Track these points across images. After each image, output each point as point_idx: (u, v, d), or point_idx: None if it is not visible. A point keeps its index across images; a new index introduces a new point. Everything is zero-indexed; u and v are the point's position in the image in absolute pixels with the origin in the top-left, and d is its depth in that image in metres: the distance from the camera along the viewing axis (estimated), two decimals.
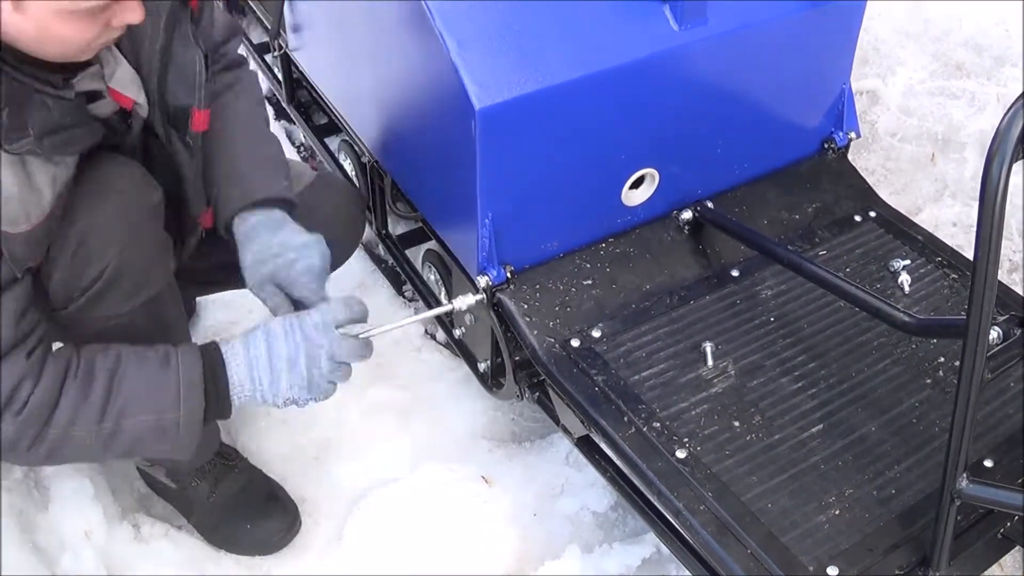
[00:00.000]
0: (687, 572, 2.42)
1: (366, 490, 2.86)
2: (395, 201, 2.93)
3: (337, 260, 2.67)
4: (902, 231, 2.80)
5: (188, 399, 2.11)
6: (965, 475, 1.94)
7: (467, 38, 2.27)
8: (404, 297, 3.32)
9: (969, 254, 2.71)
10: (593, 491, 2.84)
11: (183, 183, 2.31)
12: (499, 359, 2.67)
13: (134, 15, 1.87)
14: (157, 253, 2.23)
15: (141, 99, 2.17)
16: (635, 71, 2.41)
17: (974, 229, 3.09)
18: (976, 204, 3.28)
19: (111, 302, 2.15)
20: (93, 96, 2.04)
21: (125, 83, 2.13)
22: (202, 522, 2.75)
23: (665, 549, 2.56)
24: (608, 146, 2.50)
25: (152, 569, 2.67)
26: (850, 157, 2.99)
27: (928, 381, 2.39)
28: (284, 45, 3.34)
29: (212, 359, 2.16)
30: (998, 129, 1.72)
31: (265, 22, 3.49)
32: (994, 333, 1.92)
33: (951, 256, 2.73)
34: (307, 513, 2.84)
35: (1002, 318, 1.96)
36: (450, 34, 2.26)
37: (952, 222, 3.58)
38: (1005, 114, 1.73)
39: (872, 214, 2.85)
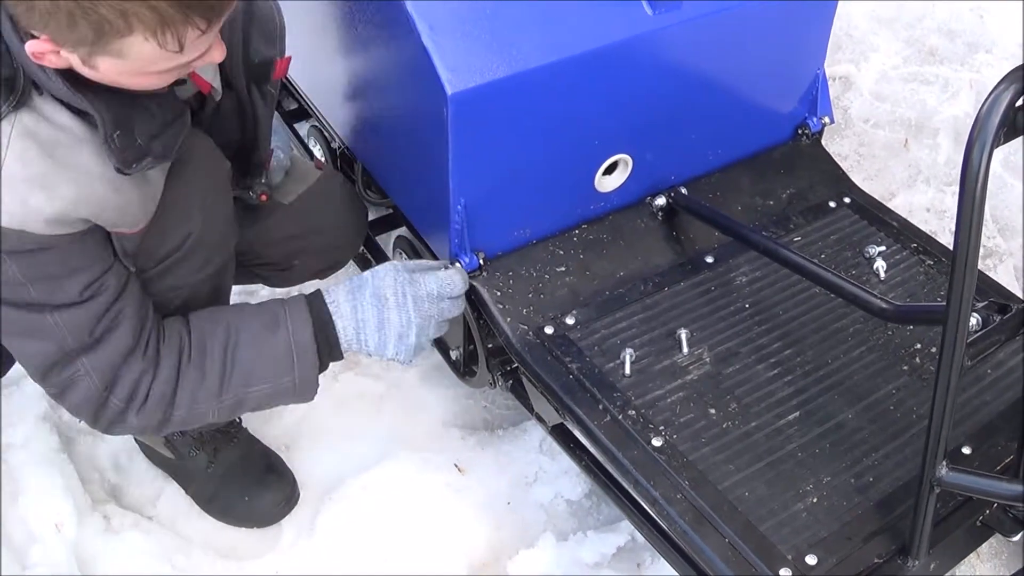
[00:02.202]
0: (662, 560, 2.41)
1: (338, 480, 2.83)
2: (366, 187, 2.90)
3: (337, 263, 2.73)
4: (877, 217, 2.78)
5: (301, 362, 2.18)
6: (944, 463, 1.92)
7: (439, 23, 2.24)
8: None
9: (943, 240, 2.71)
10: (567, 479, 2.82)
11: (254, 131, 2.37)
12: (471, 347, 2.65)
13: (219, 55, 1.86)
14: (228, 223, 2.27)
15: (217, 84, 2.22)
16: (608, 56, 2.38)
17: (948, 215, 3.10)
18: (950, 190, 3.30)
19: (184, 271, 2.17)
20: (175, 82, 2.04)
21: (205, 68, 2.15)
22: (200, 493, 2.75)
23: (640, 537, 2.56)
24: (581, 131, 2.47)
25: (123, 560, 2.64)
26: (823, 143, 2.97)
27: (905, 368, 2.38)
28: None
29: (320, 315, 2.22)
30: (978, 115, 1.71)
31: None
32: (973, 320, 1.91)
33: (926, 242, 2.71)
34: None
35: (981, 304, 1.95)
36: (422, 19, 2.23)
37: (926, 207, 3.57)
38: (986, 99, 1.72)
39: (847, 200, 2.83)
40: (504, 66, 2.27)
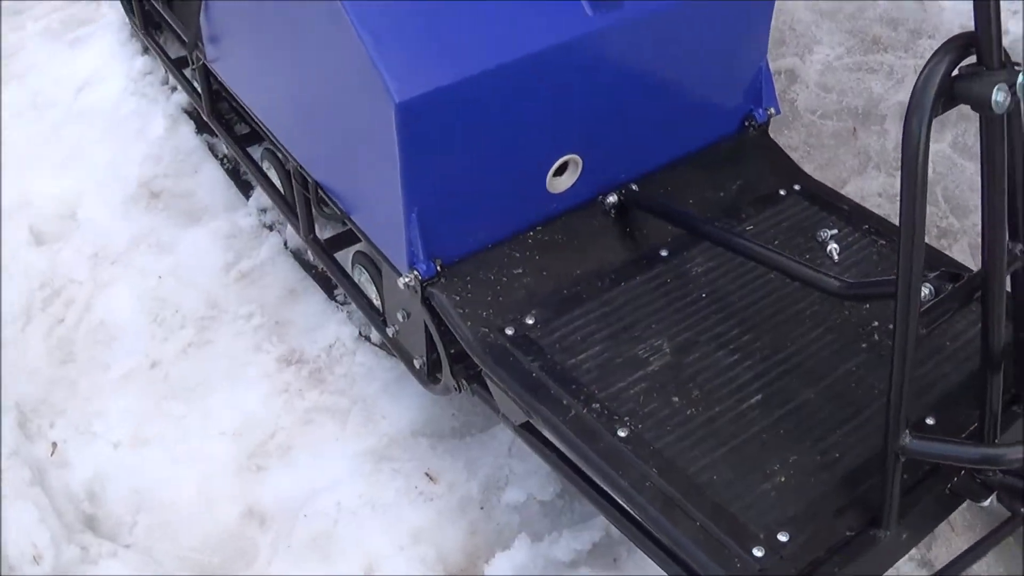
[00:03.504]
0: (638, 553, 2.43)
1: (312, 496, 2.86)
2: (322, 204, 2.91)
3: None
4: (828, 202, 2.81)
5: None
6: (907, 432, 1.95)
7: (383, 33, 2.26)
8: (336, 301, 3.31)
9: (896, 222, 2.73)
10: (538, 480, 2.84)
11: None
12: (434, 355, 2.66)
13: None
14: None
15: None
16: (551, 57, 2.41)
17: (892, 196, 3.12)
18: (897, 172, 3.32)
19: None
20: None
21: None
22: None
23: (615, 532, 2.59)
24: (529, 134, 2.49)
25: None
26: (772, 136, 3.00)
27: (864, 346, 2.40)
28: (202, 56, 3.31)
29: None
30: (915, 87, 1.76)
31: (182, 35, 3.46)
32: (925, 290, 1.95)
33: (878, 223, 2.74)
34: (255, 521, 2.83)
35: (933, 275, 1.99)
36: (366, 31, 2.25)
37: (878, 192, 3.61)
38: (921, 72, 1.76)
39: (796, 187, 2.86)
40: (449, 73, 2.29)
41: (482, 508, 2.83)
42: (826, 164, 3.76)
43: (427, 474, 2.89)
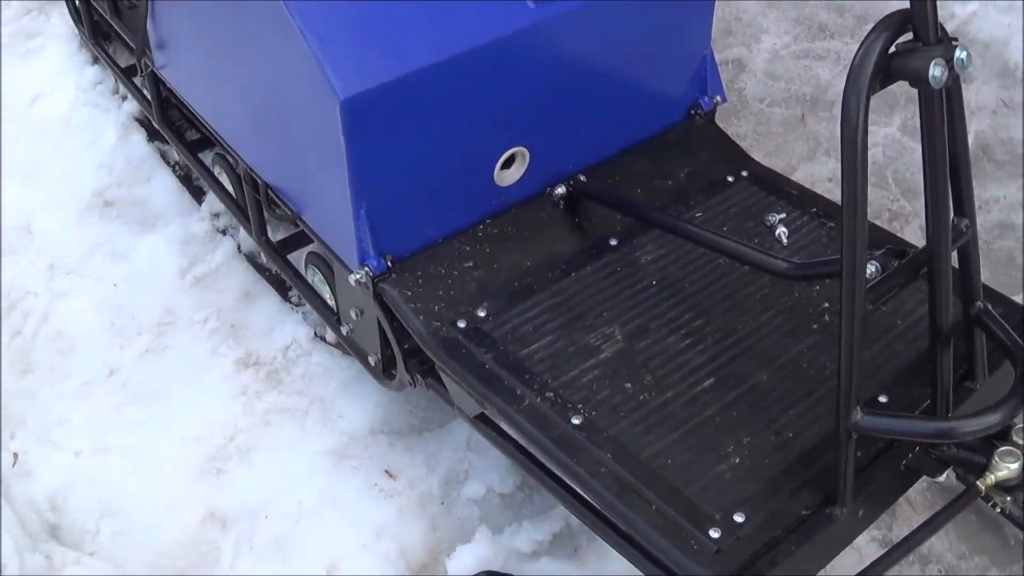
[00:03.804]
0: (598, 542, 2.45)
1: (272, 498, 2.88)
2: (273, 206, 2.92)
3: None
4: (776, 187, 2.84)
5: None
6: (859, 408, 1.96)
7: (326, 32, 2.28)
8: (291, 303, 3.33)
9: None
10: (497, 473, 2.86)
11: None
12: (388, 351, 2.67)
13: None
14: None
15: None
16: (493, 51, 2.43)
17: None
18: None
19: None
20: None
21: None
22: None
23: (575, 522, 2.63)
24: (475, 127, 2.51)
25: None
26: (721, 124, 3.02)
27: (815, 327, 2.42)
28: (150, 63, 3.31)
29: None
30: (852, 65, 1.79)
31: (130, 42, 3.46)
32: (872, 267, 1.97)
33: (826, 207, 2.76)
34: (217, 524, 2.84)
35: (879, 252, 2.01)
36: (309, 30, 2.27)
37: (828, 178, 3.64)
38: (858, 50, 1.79)
39: (744, 173, 2.88)
40: (392, 69, 2.31)
41: (442, 503, 2.85)
42: (775, 151, 3.79)
43: (387, 471, 2.90)
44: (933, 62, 1.78)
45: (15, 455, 3.02)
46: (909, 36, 1.85)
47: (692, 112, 2.97)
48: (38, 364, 3.28)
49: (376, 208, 2.45)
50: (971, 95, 3.99)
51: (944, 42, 1.82)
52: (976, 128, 3.84)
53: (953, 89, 1.93)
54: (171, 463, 2.98)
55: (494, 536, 2.72)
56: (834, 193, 3.39)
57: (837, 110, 3.94)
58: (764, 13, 4.37)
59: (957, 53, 1.82)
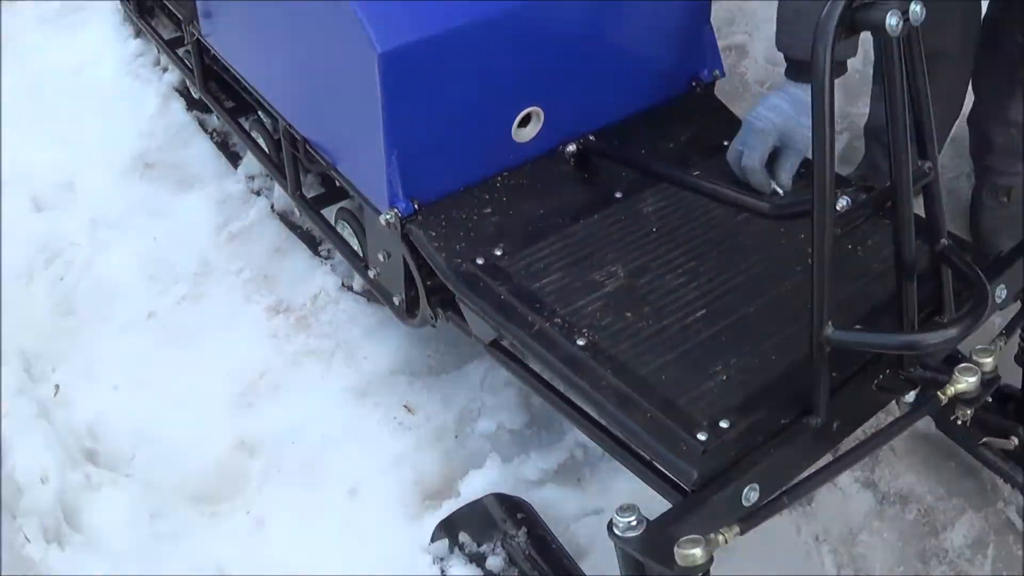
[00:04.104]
0: (600, 472, 2.69)
1: (299, 429, 3.12)
2: (309, 159, 3.16)
3: None
4: None
5: None
6: (830, 323, 2.17)
7: None
8: (320, 256, 3.58)
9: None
10: (508, 411, 3.11)
11: None
12: (413, 292, 2.91)
13: None
14: None
15: None
16: (513, 18, 2.70)
17: (837, 156, 3.39)
18: (841, 137, 3.59)
19: None
20: None
21: None
22: None
23: (579, 455, 2.88)
24: (496, 86, 2.76)
25: (104, 509, 2.93)
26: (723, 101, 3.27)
27: (799, 268, 2.63)
28: (197, 32, 3.57)
29: None
30: (819, 19, 2.02)
31: (178, 13, 3.72)
32: (843, 201, 2.19)
33: (810, 164, 2.98)
34: (246, 451, 3.08)
35: (849, 189, 2.24)
36: None
37: None
38: (825, 5, 2.03)
39: None
40: (424, 28, 2.58)
41: (456, 437, 3.09)
42: None
43: (405, 407, 3.15)
44: (889, 12, 2.02)
45: (56, 386, 3.24)
46: None
47: (693, 84, 3.21)
48: (80, 307, 3.52)
49: (406, 155, 2.70)
50: None
51: None
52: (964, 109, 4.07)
53: (913, 41, 2.16)
54: (204, 397, 3.21)
55: (504, 464, 2.96)
56: None
57: None
58: (766, 3, 4.60)
59: (912, 5, 2.06)
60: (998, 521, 2.92)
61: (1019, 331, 2.74)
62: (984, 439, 2.89)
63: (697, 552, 1.90)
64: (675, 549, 1.91)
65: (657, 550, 1.97)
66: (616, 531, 2.01)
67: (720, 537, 1.94)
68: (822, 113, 2.05)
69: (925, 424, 3.07)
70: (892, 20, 2.03)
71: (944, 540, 2.88)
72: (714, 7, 4.09)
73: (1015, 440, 2.79)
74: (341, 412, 3.14)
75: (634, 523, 2.00)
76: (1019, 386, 2.82)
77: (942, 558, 2.86)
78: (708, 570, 1.96)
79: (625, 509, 2.02)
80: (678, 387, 2.36)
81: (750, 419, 2.30)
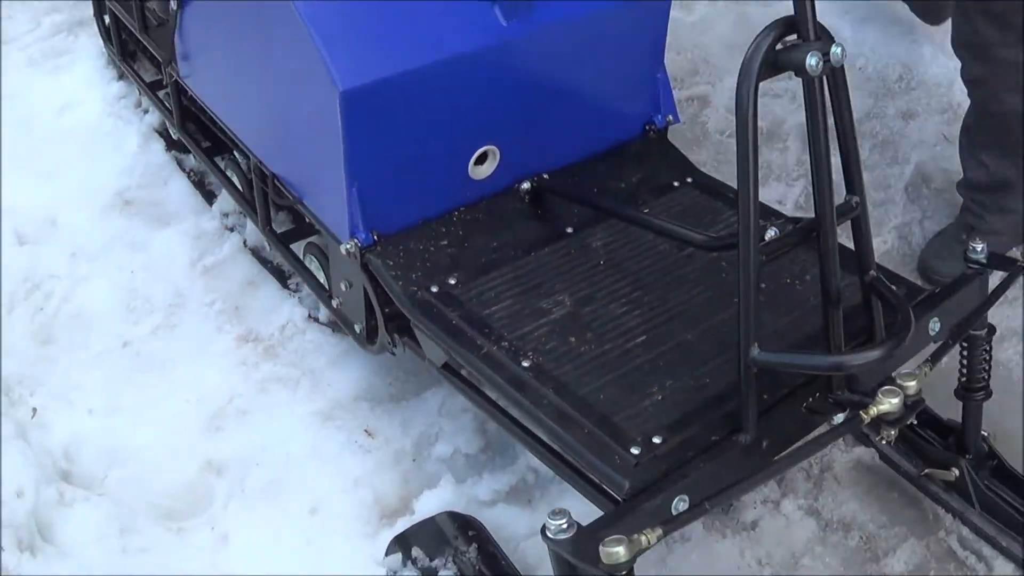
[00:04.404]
0: (550, 495, 2.84)
1: (264, 449, 3.25)
2: (278, 195, 3.31)
3: None
4: (718, 192, 3.21)
5: None
6: (756, 345, 2.31)
7: (330, 33, 2.69)
8: (289, 289, 3.72)
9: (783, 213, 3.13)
10: (464, 437, 3.24)
11: None
12: (372, 320, 3.05)
13: None
14: None
15: None
16: (469, 60, 2.84)
17: (790, 202, 3.54)
18: (797, 184, 3.79)
19: None
20: None
21: None
22: None
23: (531, 478, 3.01)
24: (453, 124, 2.91)
25: (77, 525, 3.05)
26: (685, 153, 3.41)
27: (737, 300, 2.77)
28: (175, 73, 3.73)
29: None
30: (744, 59, 2.20)
31: (157, 55, 3.88)
32: (772, 232, 2.34)
33: (762, 209, 3.12)
34: (213, 471, 3.22)
35: (778, 220, 2.40)
36: (316, 31, 2.68)
37: (777, 200, 4.00)
38: (749, 47, 2.20)
39: (689, 180, 3.26)
40: (385, 67, 2.73)
41: (414, 460, 3.23)
42: (731, 176, 4.07)
43: (366, 431, 3.29)
44: (809, 54, 2.17)
45: (34, 409, 3.37)
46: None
47: (647, 128, 3.36)
48: (58, 336, 3.64)
49: (366, 188, 2.85)
50: (914, 130, 4.40)
51: (823, 39, 2.21)
52: (917, 159, 4.24)
53: (839, 80, 2.31)
54: (174, 421, 3.34)
55: (458, 485, 3.09)
56: (781, 210, 3.78)
57: (790, 142, 4.34)
58: (728, 56, 4.76)
59: (833, 48, 2.21)
60: (940, 550, 3.01)
61: (960, 364, 2.90)
62: (926, 470, 3.03)
63: (620, 550, 2.03)
64: (600, 548, 2.04)
65: (585, 551, 2.10)
66: (548, 533, 2.14)
67: (643, 538, 2.08)
68: (746, 148, 2.22)
69: (869, 455, 3.21)
70: (812, 60, 2.18)
71: (885, 566, 2.97)
72: (677, 58, 4.32)
73: (956, 472, 2.96)
74: (305, 435, 3.27)
75: (565, 526, 2.13)
76: (960, 420, 2.95)
77: None
78: (631, 569, 2.10)
79: (557, 513, 2.14)
80: (615, 406, 2.49)
81: (682, 435, 2.42)
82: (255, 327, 3.62)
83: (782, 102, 4.55)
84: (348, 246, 2.88)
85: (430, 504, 3.03)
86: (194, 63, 3.59)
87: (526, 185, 3.11)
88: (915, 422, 2.98)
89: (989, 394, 2.90)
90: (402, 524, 2.97)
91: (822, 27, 2.24)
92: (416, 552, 2.87)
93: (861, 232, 2.50)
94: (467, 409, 3.27)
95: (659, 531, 2.10)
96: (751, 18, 4.93)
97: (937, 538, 3.04)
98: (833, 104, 2.33)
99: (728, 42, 4.88)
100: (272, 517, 3.08)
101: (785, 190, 4.12)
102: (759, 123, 4.05)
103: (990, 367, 2.88)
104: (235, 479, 3.18)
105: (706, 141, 4.37)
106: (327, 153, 2.83)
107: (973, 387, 2.89)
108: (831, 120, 2.33)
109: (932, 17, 4.76)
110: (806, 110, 2.29)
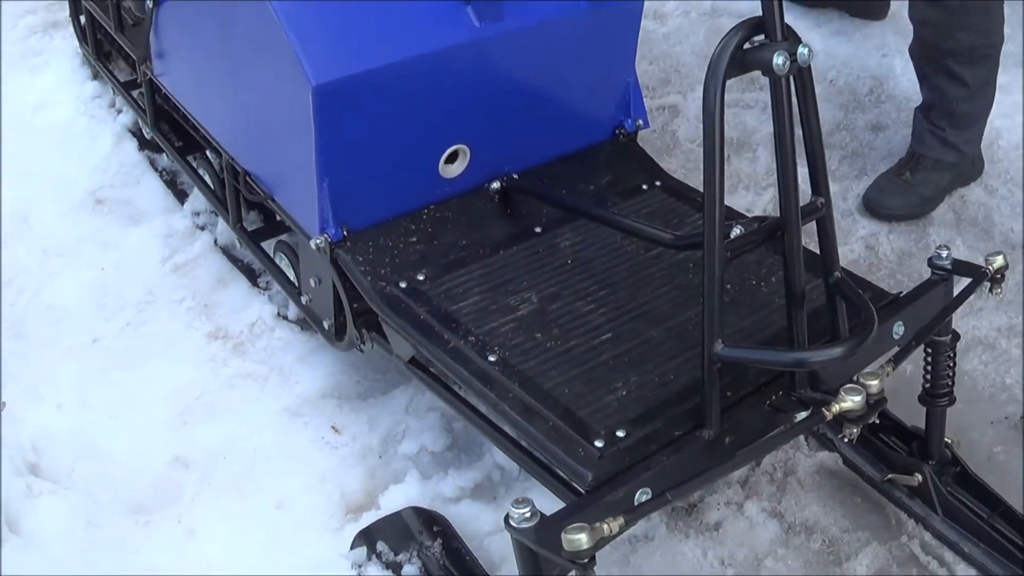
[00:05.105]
0: (514, 492, 2.86)
1: (231, 445, 3.27)
2: (249, 191, 3.33)
3: None
4: (685, 195, 3.24)
5: None
6: (720, 340, 2.34)
7: (304, 30, 2.72)
8: (259, 287, 3.75)
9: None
10: (430, 434, 3.25)
11: None
12: (341, 317, 3.08)
13: None
14: None
15: None
16: (441, 58, 2.87)
17: (763, 211, 3.58)
18: (766, 193, 3.81)
19: None
20: None
21: None
22: None
23: (496, 476, 3.03)
24: (424, 123, 2.94)
25: (44, 517, 3.05)
26: (655, 158, 3.45)
27: (702, 299, 2.81)
28: (149, 71, 3.75)
29: None
30: (711, 59, 2.24)
31: (132, 54, 3.90)
32: (737, 230, 2.38)
33: (728, 211, 3.14)
34: (181, 466, 3.23)
35: (743, 220, 2.43)
36: (290, 27, 2.71)
37: (745, 209, 4.02)
38: (717, 47, 2.24)
39: (658, 183, 3.30)
40: (357, 63, 2.76)
41: (380, 456, 3.24)
42: (700, 184, 4.19)
43: (333, 427, 3.30)
44: (776, 53, 2.21)
45: (3, 403, 3.35)
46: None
47: (617, 132, 3.39)
48: (29, 332, 3.66)
49: (336, 184, 2.88)
50: (883, 143, 4.44)
51: (790, 39, 2.25)
52: (885, 171, 4.27)
53: (806, 81, 2.35)
54: (143, 416, 3.36)
55: (423, 481, 3.11)
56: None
57: (760, 152, 4.37)
58: (700, 67, 4.76)
59: (800, 48, 2.25)
60: (902, 554, 3.03)
61: (924, 371, 2.92)
62: (890, 476, 3.06)
63: (583, 537, 2.05)
64: (562, 535, 2.06)
65: (548, 539, 2.12)
66: (512, 522, 2.16)
67: (605, 526, 2.09)
68: (712, 146, 2.26)
69: (833, 460, 3.23)
70: (779, 60, 2.21)
71: (848, 569, 2.99)
72: (650, 68, 4.35)
73: (919, 477, 2.98)
74: (272, 431, 3.28)
75: (528, 515, 2.15)
76: (923, 426, 2.98)
77: None
78: (593, 557, 2.11)
79: (520, 502, 2.16)
80: (580, 400, 2.52)
81: (646, 430, 2.45)
82: (225, 324, 3.64)
83: (753, 112, 4.59)
84: (318, 241, 2.90)
85: (396, 500, 3.04)
86: (168, 61, 3.61)
87: (496, 184, 3.15)
88: (878, 424, 3.01)
89: (953, 400, 2.93)
90: (367, 519, 2.99)
91: (789, 28, 2.28)
92: (381, 547, 2.88)
93: (826, 233, 2.53)
94: (434, 407, 3.29)
95: (621, 520, 2.11)
96: (724, 29, 4.84)
97: (900, 543, 3.05)
98: (800, 105, 2.37)
99: (701, 53, 4.92)
100: (239, 511, 3.08)
101: (754, 198, 4.14)
102: (730, 133, 4.19)
103: (954, 374, 2.91)
104: (203, 474, 3.20)
105: (676, 149, 4.41)
106: (299, 149, 2.86)
107: (937, 393, 2.91)
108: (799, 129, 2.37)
109: (872, 14, 5.06)
110: (772, 110, 2.33)
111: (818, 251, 2.57)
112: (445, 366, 2.66)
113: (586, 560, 2.09)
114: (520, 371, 2.60)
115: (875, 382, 2.40)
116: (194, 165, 3.79)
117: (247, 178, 3.27)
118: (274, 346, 3.56)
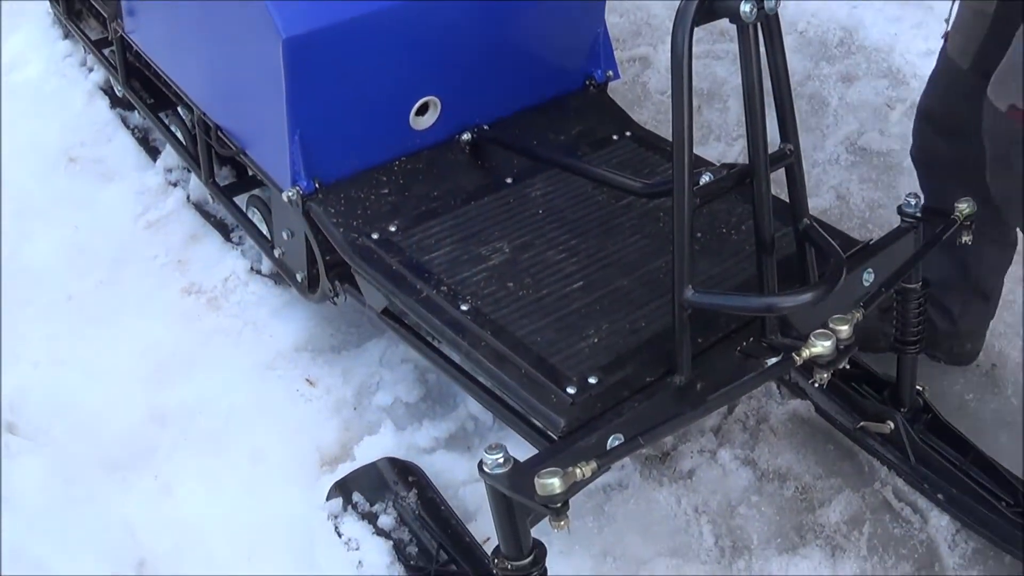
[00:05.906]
0: (488, 441, 2.86)
1: (208, 400, 3.28)
2: (221, 144, 3.34)
3: None
4: (654, 145, 3.25)
5: None
6: (691, 286, 2.35)
7: None
8: (232, 243, 3.76)
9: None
10: (404, 386, 3.28)
11: None
12: (314, 269, 3.09)
13: None
14: None
15: None
16: (411, 9, 2.88)
17: (733, 160, 3.59)
18: (737, 144, 3.81)
19: None
20: None
21: None
22: None
23: (470, 426, 3.04)
24: (394, 74, 2.95)
25: (22, 477, 3.07)
26: (626, 110, 3.46)
27: (672, 246, 2.83)
28: (120, 29, 3.75)
29: None
30: (679, 6, 2.25)
31: (103, 11, 3.90)
32: (707, 177, 2.39)
33: (697, 160, 3.16)
34: (157, 422, 3.25)
35: (712, 167, 2.44)
36: None
37: (716, 159, 4.01)
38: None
39: (628, 134, 3.31)
40: (327, 16, 2.77)
41: (355, 408, 3.27)
42: (670, 135, 4.21)
43: (307, 380, 3.32)
44: (743, 1, 2.21)
45: None
46: None
47: (587, 83, 3.40)
48: (3, 290, 3.65)
49: (308, 136, 2.89)
50: (854, 94, 4.46)
51: None
52: (856, 121, 4.30)
53: (773, 29, 2.35)
54: (119, 373, 3.37)
55: (398, 432, 3.14)
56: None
57: (731, 102, 4.40)
58: (670, 19, 4.78)
59: None
60: (875, 501, 3.06)
61: (892, 315, 2.96)
62: (862, 423, 3.08)
63: (556, 482, 2.06)
64: (535, 480, 2.07)
65: (521, 484, 2.13)
66: (485, 468, 2.17)
67: (578, 471, 2.10)
68: (680, 93, 2.25)
69: (805, 408, 3.26)
70: (746, 7, 2.21)
71: (821, 516, 3.03)
72: (620, 20, 4.36)
73: (891, 425, 3.02)
74: (247, 386, 3.30)
75: (501, 460, 2.16)
76: (894, 374, 3.01)
77: (819, 532, 3.00)
78: (567, 502, 2.11)
79: (493, 448, 2.17)
80: (552, 347, 2.53)
81: (617, 376, 2.46)
82: (198, 280, 3.66)
83: (724, 63, 4.61)
84: (290, 194, 2.91)
85: (371, 451, 3.06)
86: (139, 18, 3.62)
87: (467, 136, 3.16)
88: (850, 372, 3.03)
89: (923, 347, 2.96)
90: (343, 471, 3.01)
91: None
92: (357, 497, 2.91)
93: (795, 180, 2.55)
94: (407, 359, 3.31)
95: (593, 464, 2.12)
96: None
97: (872, 490, 3.09)
98: (768, 52, 2.37)
99: (671, 5, 4.84)
100: (214, 466, 3.10)
101: (725, 149, 4.17)
102: (700, 84, 4.20)
103: (924, 320, 2.94)
104: (178, 429, 3.21)
105: (647, 101, 4.42)
106: (270, 102, 2.86)
107: (907, 340, 2.94)
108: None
109: None
110: (740, 57, 2.32)
111: (787, 199, 2.57)
112: (418, 316, 2.66)
113: (559, 505, 2.10)
114: (492, 320, 2.60)
115: (845, 327, 2.40)
116: (166, 122, 3.80)
117: (219, 133, 3.27)
118: (248, 300, 3.58)
